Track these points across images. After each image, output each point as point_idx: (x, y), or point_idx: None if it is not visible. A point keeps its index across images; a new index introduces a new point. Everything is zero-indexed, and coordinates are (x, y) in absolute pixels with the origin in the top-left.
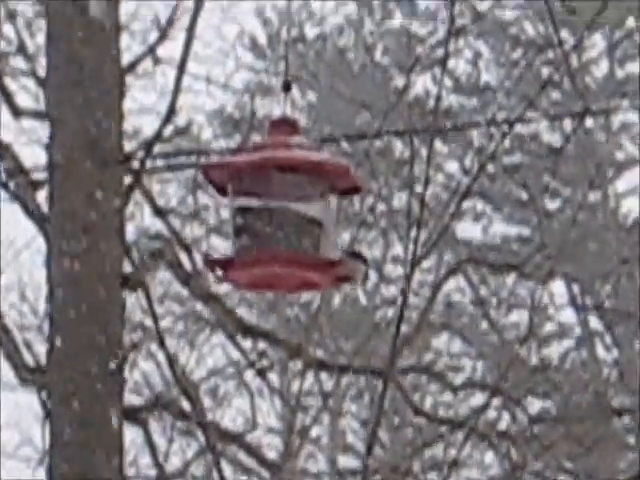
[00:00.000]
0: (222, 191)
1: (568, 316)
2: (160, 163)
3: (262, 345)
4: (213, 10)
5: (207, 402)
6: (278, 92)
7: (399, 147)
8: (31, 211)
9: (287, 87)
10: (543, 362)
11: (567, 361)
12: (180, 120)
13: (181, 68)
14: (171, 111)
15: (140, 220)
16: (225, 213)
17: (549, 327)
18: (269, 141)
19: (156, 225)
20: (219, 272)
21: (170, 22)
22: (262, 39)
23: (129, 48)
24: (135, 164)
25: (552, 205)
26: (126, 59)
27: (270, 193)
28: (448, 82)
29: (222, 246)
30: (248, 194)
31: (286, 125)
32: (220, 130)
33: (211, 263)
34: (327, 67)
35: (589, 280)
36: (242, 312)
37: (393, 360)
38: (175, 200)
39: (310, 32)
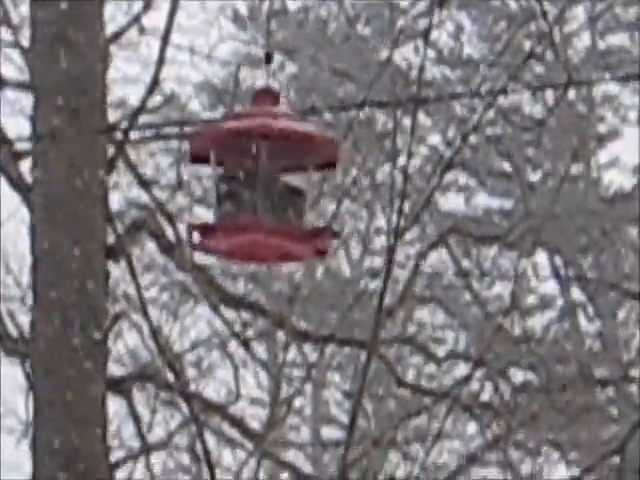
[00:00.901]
0: (204, 160)
1: (551, 287)
2: (145, 133)
3: (246, 316)
4: None
5: (191, 373)
6: (262, 63)
7: (382, 119)
8: (15, 181)
9: (268, 58)
10: (526, 333)
11: (550, 332)
12: (165, 91)
13: (165, 39)
14: (155, 82)
15: (127, 190)
16: (209, 183)
17: (532, 299)
18: (255, 110)
19: (142, 196)
20: (198, 239)
21: None
22: (244, 10)
23: (113, 18)
24: (119, 134)
25: (534, 177)
26: (110, 29)
27: (255, 161)
28: (431, 54)
29: (206, 217)
30: (233, 162)
31: (270, 95)
32: (207, 101)
33: (191, 229)
34: (309, 38)
35: (571, 251)
36: (226, 283)
37: (376, 331)
38: (164, 170)
39: (292, 4)
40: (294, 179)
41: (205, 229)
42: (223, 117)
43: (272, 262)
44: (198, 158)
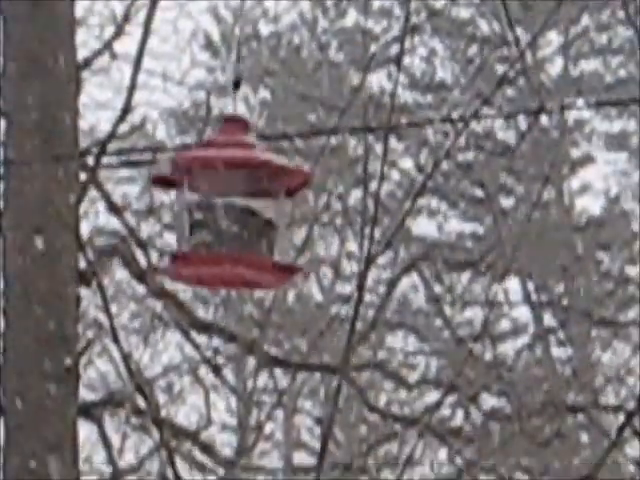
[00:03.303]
0: (169, 185)
1: (522, 313)
2: (115, 160)
3: (217, 342)
4: (169, 6)
5: (162, 399)
6: (230, 91)
7: (352, 144)
8: None
9: (237, 84)
10: (497, 359)
11: (521, 358)
12: (136, 117)
13: (137, 64)
14: (127, 108)
15: (95, 217)
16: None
17: (503, 324)
18: (227, 139)
19: (110, 222)
20: (171, 267)
21: (126, 17)
22: (216, 37)
23: (85, 43)
24: (90, 160)
25: (506, 202)
26: (82, 54)
27: (229, 190)
28: (403, 79)
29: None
30: (203, 190)
31: (238, 123)
32: (175, 128)
33: (165, 258)
34: (281, 65)
35: (543, 277)
36: (196, 308)
37: (348, 357)
38: (130, 198)
39: (264, 30)
40: (267, 210)
41: (178, 258)
42: (194, 145)
43: (241, 288)
44: (163, 183)
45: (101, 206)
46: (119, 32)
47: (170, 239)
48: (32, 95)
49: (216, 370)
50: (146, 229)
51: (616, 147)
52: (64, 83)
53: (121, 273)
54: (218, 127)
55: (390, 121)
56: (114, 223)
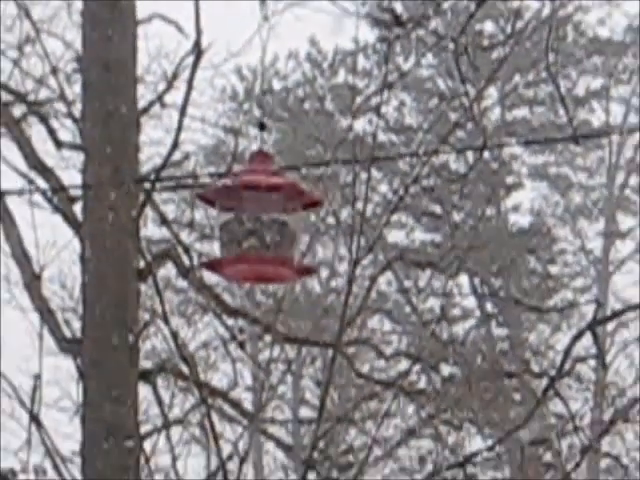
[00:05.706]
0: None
1: (470, 302)
2: (166, 184)
3: (242, 323)
4: (206, 66)
5: (201, 366)
6: (247, 133)
7: (344, 173)
8: (69, 219)
9: (262, 126)
10: (452, 337)
11: (470, 336)
12: (179, 152)
13: (182, 111)
14: (175, 145)
15: (147, 228)
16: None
17: (456, 311)
18: (262, 168)
19: (156, 233)
20: (215, 266)
21: (174, 76)
22: (240, 90)
23: (143, 96)
24: (147, 185)
25: (457, 217)
26: (141, 104)
27: (268, 208)
28: (381, 123)
29: (212, 249)
30: (248, 207)
31: (264, 156)
32: (204, 160)
33: (210, 262)
34: (289, 112)
35: (486, 274)
36: (227, 298)
37: (341, 335)
38: (169, 213)
39: (276, 85)
40: (292, 223)
41: (219, 260)
42: (231, 173)
43: (268, 282)
44: (206, 201)
45: (150, 220)
46: (169, 87)
47: (206, 247)
48: (104, 135)
49: (241, 345)
50: (187, 238)
51: (540, 178)
52: (128, 126)
53: (168, 271)
54: (250, 158)
55: (372, 155)
56: (160, 233)
